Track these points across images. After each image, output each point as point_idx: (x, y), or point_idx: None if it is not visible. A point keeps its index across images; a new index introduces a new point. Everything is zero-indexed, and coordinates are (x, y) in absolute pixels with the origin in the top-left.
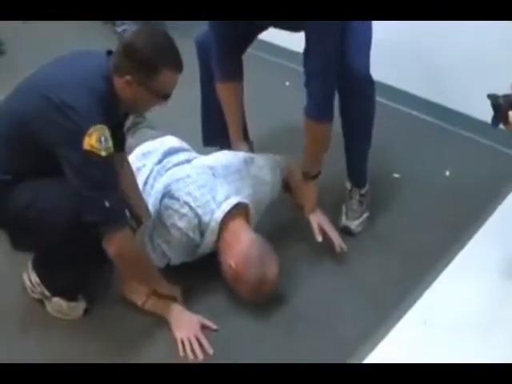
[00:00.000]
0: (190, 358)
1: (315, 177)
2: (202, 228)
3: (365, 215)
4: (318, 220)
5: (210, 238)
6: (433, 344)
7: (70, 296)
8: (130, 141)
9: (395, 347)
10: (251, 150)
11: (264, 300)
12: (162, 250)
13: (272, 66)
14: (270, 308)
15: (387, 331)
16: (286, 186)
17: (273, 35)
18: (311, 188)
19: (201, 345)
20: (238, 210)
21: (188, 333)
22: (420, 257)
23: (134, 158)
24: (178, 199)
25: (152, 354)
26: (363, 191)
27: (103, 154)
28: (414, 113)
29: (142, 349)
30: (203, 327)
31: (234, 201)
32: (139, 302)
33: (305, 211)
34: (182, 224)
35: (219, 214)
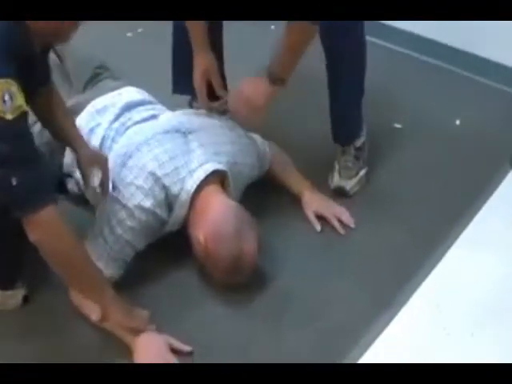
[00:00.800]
0: None
1: (282, 82)
2: (169, 200)
3: (362, 172)
4: (313, 206)
5: (179, 212)
6: (448, 334)
7: (4, 284)
8: (85, 96)
9: (402, 336)
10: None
11: (241, 282)
12: (125, 239)
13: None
14: (250, 292)
15: (391, 317)
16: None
17: None
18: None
19: None
20: (214, 178)
21: (156, 360)
22: (427, 223)
23: (86, 116)
24: (141, 169)
25: (107, 353)
26: (359, 143)
27: (9, 116)
28: (418, 55)
29: (93, 345)
30: (173, 351)
31: (210, 167)
32: (93, 317)
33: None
34: (147, 203)
35: (191, 184)
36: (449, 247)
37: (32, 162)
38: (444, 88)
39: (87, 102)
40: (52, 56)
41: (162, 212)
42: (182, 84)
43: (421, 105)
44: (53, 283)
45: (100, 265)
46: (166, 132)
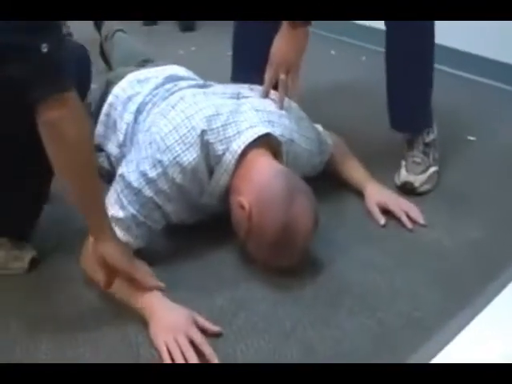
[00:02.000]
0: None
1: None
2: (210, 162)
3: (432, 169)
4: (376, 198)
5: (221, 177)
6: None
7: (15, 233)
8: (125, 69)
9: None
10: None
11: (289, 265)
12: (155, 203)
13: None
14: (299, 277)
15: (472, 317)
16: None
17: None
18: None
19: (196, 349)
20: (265, 144)
21: (175, 332)
22: (505, 224)
23: (125, 84)
24: (184, 120)
25: (118, 321)
26: (428, 139)
27: None
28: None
29: (103, 316)
30: (199, 329)
31: (262, 130)
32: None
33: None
34: (187, 158)
35: (239, 144)
36: None
37: (61, 31)
38: None
39: (128, 72)
40: None
41: (200, 173)
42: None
43: (493, 122)
44: (64, 250)
45: (120, 228)
46: (216, 93)
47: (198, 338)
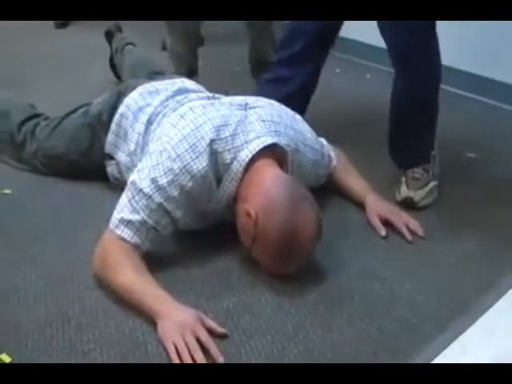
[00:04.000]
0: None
1: None
2: (218, 170)
3: (431, 184)
4: (377, 210)
5: (228, 185)
6: None
7: None
8: (135, 80)
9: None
10: None
11: (292, 272)
12: (165, 209)
13: None
14: (301, 285)
15: (469, 324)
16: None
17: None
18: None
19: (202, 348)
20: (271, 154)
21: (183, 331)
22: (501, 239)
23: (136, 95)
24: (194, 129)
25: (129, 328)
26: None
27: None
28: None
29: (112, 315)
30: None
31: (268, 140)
32: None
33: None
34: (197, 166)
35: (246, 154)
36: None
37: None
38: None
39: (139, 84)
40: None
41: (209, 180)
42: None
43: (494, 140)
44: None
45: (130, 230)
46: (223, 104)
47: (205, 337)
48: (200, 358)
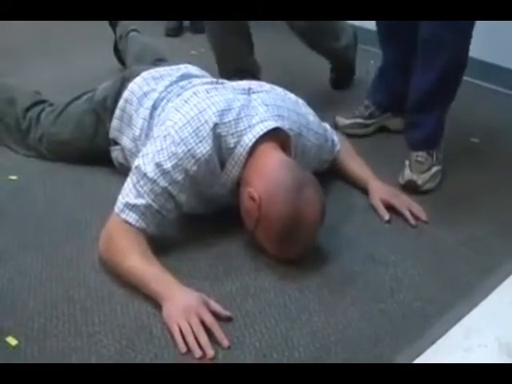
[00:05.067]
0: (197, 356)
1: None
2: (222, 154)
3: (435, 169)
4: (381, 194)
5: (232, 169)
6: None
7: None
8: (140, 66)
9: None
10: None
11: (296, 256)
12: (169, 193)
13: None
14: (305, 268)
15: (470, 308)
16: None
17: None
18: None
19: (207, 332)
20: (275, 138)
21: (187, 313)
22: (506, 224)
23: (140, 81)
24: (198, 114)
25: (134, 310)
26: None
27: None
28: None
29: (117, 298)
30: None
31: (272, 124)
32: None
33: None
34: (201, 150)
35: (250, 138)
36: None
37: None
38: None
39: (143, 70)
40: None
41: (213, 164)
42: None
43: (499, 125)
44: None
45: (135, 214)
46: (227, 87)
47: (209, 320)
48: (204, 341)
